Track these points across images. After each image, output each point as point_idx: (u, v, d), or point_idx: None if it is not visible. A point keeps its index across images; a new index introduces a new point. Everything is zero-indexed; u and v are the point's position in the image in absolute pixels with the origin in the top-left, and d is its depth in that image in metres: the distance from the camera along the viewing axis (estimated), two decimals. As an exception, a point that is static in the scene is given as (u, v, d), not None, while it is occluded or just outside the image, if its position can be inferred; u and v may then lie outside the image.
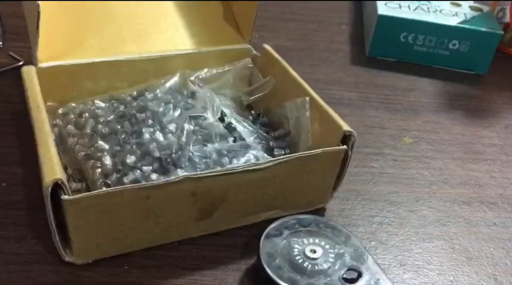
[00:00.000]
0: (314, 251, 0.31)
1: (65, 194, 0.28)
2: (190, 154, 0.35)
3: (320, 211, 0.38)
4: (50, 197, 0.28)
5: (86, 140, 0.36)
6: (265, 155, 0.37)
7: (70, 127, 0.37)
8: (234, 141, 0.38)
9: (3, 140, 0.40)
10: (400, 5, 0.60)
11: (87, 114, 0.38)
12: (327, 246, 0.31)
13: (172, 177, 0.30)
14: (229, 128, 0.39)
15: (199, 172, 0.31)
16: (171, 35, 0.45)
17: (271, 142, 0.39)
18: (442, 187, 0.42)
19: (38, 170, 0.29)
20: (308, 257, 0.30)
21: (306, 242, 0.32)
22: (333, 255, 0.31)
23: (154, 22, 0.46)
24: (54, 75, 0.39)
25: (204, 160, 0.35)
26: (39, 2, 0.35)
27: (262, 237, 0.31)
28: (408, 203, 0.40)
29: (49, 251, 0.31)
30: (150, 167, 0.33)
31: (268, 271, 0.29)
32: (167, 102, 0.39)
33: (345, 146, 0.35)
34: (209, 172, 0.31)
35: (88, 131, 0.36)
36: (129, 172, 0.33)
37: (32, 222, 0.34)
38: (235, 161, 0.36)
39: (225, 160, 0.35)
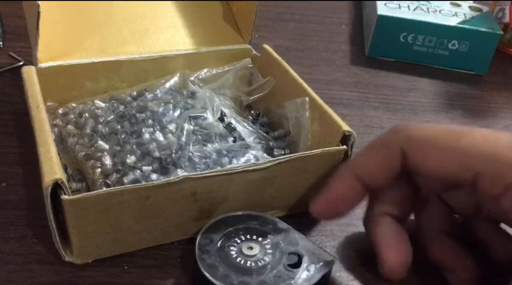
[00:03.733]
0: (251, 248, 0.30)
1: (65, 194, 0.28)
2: (190, 154, 0.35)
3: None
4: (49, 197, 0.28)
5: (85, 140, 0.36)
6: (265, 155, 0.37)
7: (70, 127, 0.37)
8: (234, 141, 0.38)
9: (3, 140, 0.40)
10: (399, 5, 0.60)
11: (87, 114, 0.38)
12: (260, 239, 0.31)
13: (172, 177, 0.30)
14: (229, 128, 0.39)
15: (199, 172, 0.31)
16: (171, 35, 0.45)
17: (271, 142, 0.39)
18: (442, 187, 0.42)
19: (38, 170, 0.29)
20: (248, 255, 0.30)
21: (239, 241, 0.31)
22: (269, 246, 0.31)
23: (154, 22, 0.46)
24: (54, 75, 0.40)
25: (204, 160, 0.35)
26: (39, 2, 0.35)
27: (197, 253, 0.30)
28: (408, 203, 0.40)
29: (49, 251, 0.31)
30: (150, 167, 0.34)
31: (217, 284, 0.28)
32: (167, 102, 0.39)
33: (344, 147, 0.35)
34: (209, 172, 0.31)
35: (88, 131, 0.36)
36: (129, 172, 0.33)
37: (32, 222, 0.34)
38: (235, 161, 0.36)
39: (225, 160, 0.35)
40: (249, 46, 0.46)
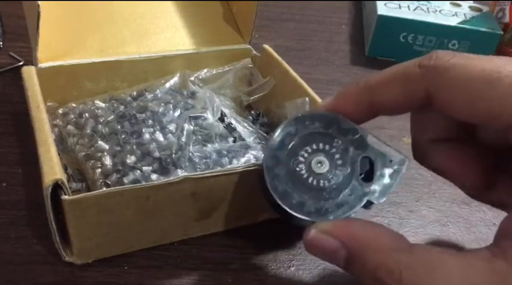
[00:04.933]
0: (321, 163, 0.27)
1: (65, 194, 0.28)
2: (190, 154, 0.35)
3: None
4: (50, 197, 0.28)
5: (86, 140, 0.36)
6: (265, 155, 0.37)
7: (70, 127, 0.37)
8: (234, 141, 0.38)
9: (3, 140, 0.40)
10: (399, 5, 0.60)
11: (87, 114, 0.38)
12: (327, 147, 0.28)
13: (172, 177, 0.30)
14: (229, 128, 0.39)
15: (199, 173, 0.31)
16: (171, 35, 0.45)
17: (271, 142, 0.39)
18: (442, 187, 0.42)
19: (38, 170, 0.29)
20: (319, 174, 0.27)
21: (306, 155, 0.28)
22: (338, 156, 0.27)
23: (154, 22, 0.46)
24: (54, 75, 0.40)
25: (204, 160, 0.35)
26: (39, 2, 0.35)
27: (267, 179, 0.27)
28: (408, 203, 0.40)
29: (49, 251, 0.31)
30: (150, 168, 0.33)
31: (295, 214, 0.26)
32: (167, 102, 0.39)
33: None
34: (209, 173, 0.31)
35: (88, 131, 0.36)
36: (129, 172, 0.33)
37: (32, 222, 0.34)
38: (235, 161, 0.36)
39: (225, 160, 0.35)
40: (249, 46, 0.46)
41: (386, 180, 0.27)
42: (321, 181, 0.27)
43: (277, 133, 0.28)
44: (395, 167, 0.27)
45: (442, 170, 0.29)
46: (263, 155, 0.28)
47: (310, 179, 0.27)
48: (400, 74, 0.27)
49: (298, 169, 0.27)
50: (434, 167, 0.29)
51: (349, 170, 0.27)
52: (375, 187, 0.27)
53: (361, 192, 0.27)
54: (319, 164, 0.27)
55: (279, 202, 0.27)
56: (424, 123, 0.29)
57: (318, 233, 0.26)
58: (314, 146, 0.28)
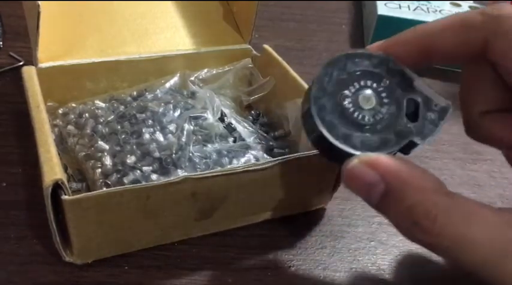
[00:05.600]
0: (368, 99, 0.27)
1: (65, 194, 0.28)
2: (190, 154, 0.35)
3: (320, 211, 0.38)
4: (50, 197, 0.28)
5: (86, 140, 0.36)
6: (265, 155, 0.37)
7: (70, 127, 0.37)
8: (234, 141, 0.38)
9: (3, 140, 0.40)
10: (399, 5, 0.60)
11: (87, 114, 0.38)
12: (374, 84, 0.27)
13: (172, 177, 0.30)
14: (229, 128, 0.39)
15: (199, 173, 0.31)
16: (171, 35, 0.45)
17: (271, 142, 0.39)
18: (442, 187, 0.42)
19: (38, 170, 0.29)
20: (365, 109, 0.27)
21: (353, 90, 0.27)
22: (385, 94, 0.27)
23: (154, 22, 0.46)
24: (54, 75, 0.40)
25: (204, 160, 0.35)
26: (39, 2, 0.35)
27: (313, 108, 0.27)
28: (408, 204, 0.40)
29: (49, 251, 0.32)
30: (150, 168, 0.34)
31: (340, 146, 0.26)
32: (167, 102, 0.39)
33: (344, 147, 0.34)
34: (209, 173, 0.31)
35: (88, 131, 0.36)
36: (129, 172, 0.33)
37: (32, 222, 0.34)
38: (235, 161, 0.36)
39: (225, 160, 0.35)
40: (249, 46, 0.46)
41: (430, 124, 0.27)
42: (367, 117, 0.27)
43: (326, 67, 0.28)
44: (440, 112, 0.27)
45: (498, 141, 0.29)
46: (311, 86, 0.28)
47: (356, 113, 0.27)
48: (462, 20, 0.27)
49: (345, 103, 0.27)
50: (491, 138, 0.29)
51: (394, 109, 0.27)
52: (419, 128, 0.27)
53: (405, 131, 0.27)
54: (365, 100, 0.27)
55: (324, 133, 0.26)
56: (475, 94, 0.29)
57: (360, 164, 0.25)
58: (362, 83, 0.27)
